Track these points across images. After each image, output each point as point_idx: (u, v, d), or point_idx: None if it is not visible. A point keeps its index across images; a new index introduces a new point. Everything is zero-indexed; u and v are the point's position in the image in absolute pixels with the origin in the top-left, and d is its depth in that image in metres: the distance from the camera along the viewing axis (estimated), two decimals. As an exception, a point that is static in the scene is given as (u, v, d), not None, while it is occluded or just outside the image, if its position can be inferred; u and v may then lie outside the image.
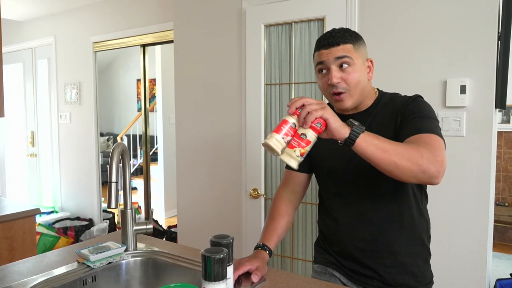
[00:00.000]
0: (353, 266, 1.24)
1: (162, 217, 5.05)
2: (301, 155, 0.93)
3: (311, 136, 0.93)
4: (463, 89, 1.71)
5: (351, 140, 0.93)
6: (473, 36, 1.69)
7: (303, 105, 0.95)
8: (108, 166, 1.18)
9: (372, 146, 0.94)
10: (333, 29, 1.18)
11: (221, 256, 0.78)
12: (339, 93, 1.15)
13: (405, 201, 1.18)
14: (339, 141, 0.96)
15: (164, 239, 3.73)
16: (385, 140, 0.97)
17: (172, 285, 0.70)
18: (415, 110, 1.11)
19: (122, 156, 1.29)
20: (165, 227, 4.12)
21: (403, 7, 1.84)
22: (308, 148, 0.94)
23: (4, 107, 2.29)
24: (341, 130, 0.94)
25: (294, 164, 0.93)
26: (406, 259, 1.19)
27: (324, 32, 2.02)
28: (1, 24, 2.23)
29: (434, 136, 1.04)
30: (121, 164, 1.31)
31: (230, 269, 0.89)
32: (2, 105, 2.27)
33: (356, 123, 0.95)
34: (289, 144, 0.93)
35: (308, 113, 0.93)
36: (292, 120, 0.94)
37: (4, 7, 3.98)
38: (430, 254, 1.26)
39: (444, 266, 1.76)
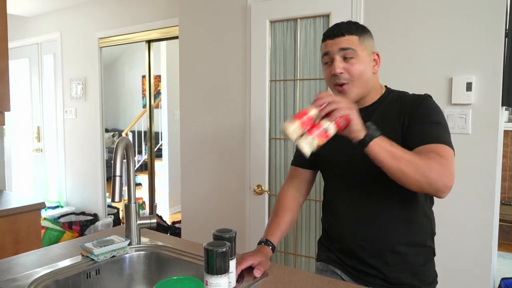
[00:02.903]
0: (355, 264, 1.23)
1: (166, 213, 5.07)
2: (317, 146, 0.96)
3: (332, 131, 0.95)
4: (469, 87, 1.70)
5: (365, 142, 0.96)
6: (480, 33, 1.67)
7: (330, 102, 0.96)
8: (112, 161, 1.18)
9: (383, 151, 0.97)
10: (341, 22, 1.19)
11: (224, 249, 0.78)
12: (342, 84, 1.15)
13: (409, 203, 1.17)
14: (353, 140, 0.99)
15: (168, 235, 3.75)
16: (397, 147, 0.99)
17: (174, 277, 0.70)
18: (424, 113, 1.10)
19: (126, 151, 1.29)
20: (169, 223, 4.14)
21: (409, 3, 1.83)
22: (325, 141, 0.96)
23: (10, 102, 2.30)
24: (360, 132, 0.97)
25: (308, 152, 0.95)
26: (409, 258, 1.18)
27: (330, 28, 2.03)
28: (7, 19, 2.24)
29: (445, 147, 1.04)
30: (125, 160, 1.31)
31: (232, 263, 0.89)
32: (8, 100, 2.28)
33: (373, 127, 0.98)
34: (309, 131, 0.96)
35: (336, 109, 0.95)
36: (315, 112, 0.96)
37: (11, 2, 4.00)
38: (434, 254, 1.25)
39: (448, 265, 1.75)
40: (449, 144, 1.06)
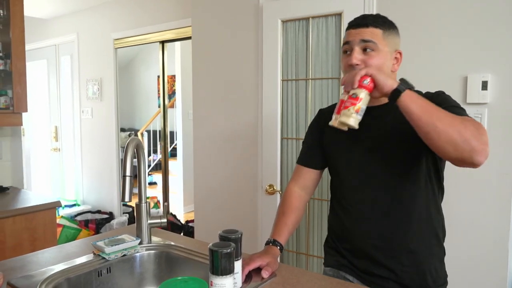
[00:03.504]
0: (367, 266, 1.20)
1: (180, 212, 5.11)
2: (356, 111, 0.98)
3: (361, 93, 0.98)
4: (484, 85, 1.66)
5: (397, 93, 0.96)
6: (496, 30, 1.63)
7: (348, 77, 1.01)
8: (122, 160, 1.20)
9: (415, 104, 0.96)
10: (370, 13, 1.19)
11: (228, 250, 0.78)
12: None
13: (423, 197, 1.15)
14: (388, 97, 0.99)
15: (181, 233, 3.78)
16: (431, 103, 0.97)
17: (179, 278, 0.71)
18: (442, 101, 1.08)
19: (137, 151, 1.30)
20: (183, 222, 4.17)
21: (422, 1, 1.80)
22: (360, 104, 0.99)
23: (28, 103, 2.36)
24: (388, 82, 0.97)
25: (352, 122, 0.99)
26: (424, 258, 1.16)
27: (342, 27, 2.02)
28: (24, 23, 2.30)
29: (475, 120, 1.01)
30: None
31: (238, 264, 0.89)
32: (25, 101, 2.34)
33: (408, 81, 0.99)
34: (344, 107, 1.01)
35: (354, 75, 0.99)
36: (346, 97, 1.02)
37: (33, 5, 4.10)
38: (444, 253, 1.23)
39: (463, 265, 1.72)
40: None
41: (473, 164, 0.94)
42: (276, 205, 2.29)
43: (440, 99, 1.09)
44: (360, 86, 0.98)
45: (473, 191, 1.71)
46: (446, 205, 1.72)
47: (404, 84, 0.97)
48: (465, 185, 1.72)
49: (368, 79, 0.98)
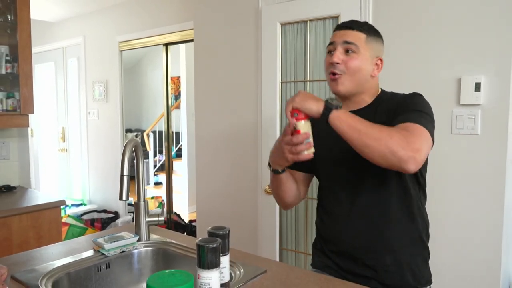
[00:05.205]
0: (351, 267, 1.23)
1: (185, 211, 5.16)
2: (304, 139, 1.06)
3: (299, 125, 1.05)
4: (477, 87, 1.68)
5: (324, 115, 1.01)
6: (490, 32, 1.66)
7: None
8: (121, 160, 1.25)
9: (344, 124, 1.00)
10: (358, 20, 1.23)
11: (214, 245, 0.83)
12: (335, 74, 1.17)
13: (403, 199, 1.18)
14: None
15: (185, 232, 3.84)
16: (359, 121, 1.01)
17: (167, 271, 0.76)
18: (409, 104, 1.12)
19: (135, 152, 1.36)
20: (187, 221, 4.23)
21: (417, 4, 1.82)
22: (303, 137, 1.05)
23: (34, 105, 2.43)
24: (313, 108, 1.02)
25: (305, 155, 1.07)
26: (406, 257, 1.19)
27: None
28: (30, 27, 2.37)
29: (418, 126, 1.03)
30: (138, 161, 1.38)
31: (224, 259, 0.94)
32: (32, 103, 2.41)
33: (333, 102, 1.02)
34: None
35: (286, 110, 1.06)
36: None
37: (41, 8, 4.18)
38: (429, 254, 1.25)
39: (455, 264, 1.74)
40: (426, 127, 1.04)
41: (404, 171, 1.00)
42: (275, 205, 2.33)
43: (409, 102, 1.13)
44: (296, 119, 1.04)
45: (467, 192, 1.73)
46: (439, 204, 1.75)
47: (329, 105, 1.01)
48: (459, 186, 1.74)
49: (296, 112, 1.04)
